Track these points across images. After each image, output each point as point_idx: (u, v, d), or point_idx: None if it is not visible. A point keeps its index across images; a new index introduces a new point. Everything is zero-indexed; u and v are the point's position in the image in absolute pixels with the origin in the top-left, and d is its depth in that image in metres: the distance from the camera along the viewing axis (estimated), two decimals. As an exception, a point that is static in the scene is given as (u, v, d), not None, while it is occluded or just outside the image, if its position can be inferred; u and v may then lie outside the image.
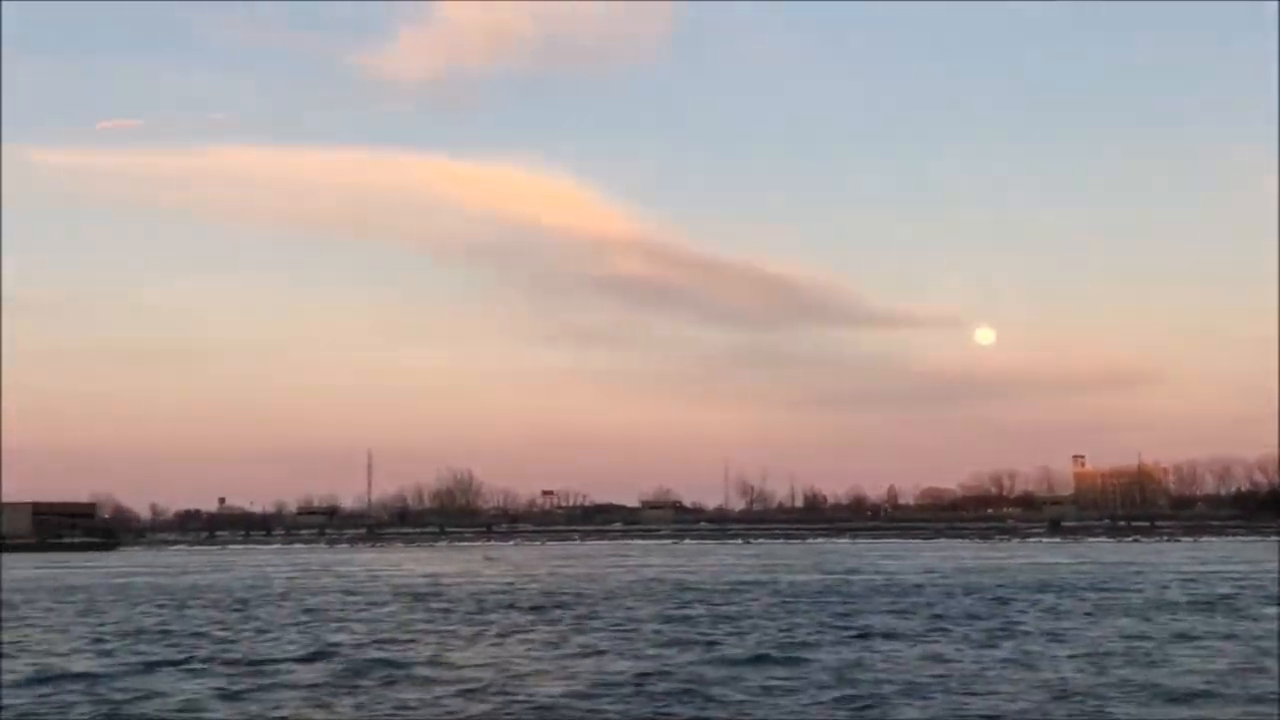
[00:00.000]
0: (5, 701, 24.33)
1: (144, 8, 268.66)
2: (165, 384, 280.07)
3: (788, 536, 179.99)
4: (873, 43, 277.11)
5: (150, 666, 29.52)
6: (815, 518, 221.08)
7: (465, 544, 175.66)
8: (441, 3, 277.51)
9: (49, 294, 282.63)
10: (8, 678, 27.65)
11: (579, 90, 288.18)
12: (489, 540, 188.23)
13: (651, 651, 31.09)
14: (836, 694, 23.79)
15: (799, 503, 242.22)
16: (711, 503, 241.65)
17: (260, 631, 38.43)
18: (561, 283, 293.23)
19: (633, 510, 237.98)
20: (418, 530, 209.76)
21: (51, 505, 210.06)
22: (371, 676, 26.95)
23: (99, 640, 36.66)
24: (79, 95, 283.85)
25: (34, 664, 30.49)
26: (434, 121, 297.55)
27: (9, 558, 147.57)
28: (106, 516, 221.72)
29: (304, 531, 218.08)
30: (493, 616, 42.84)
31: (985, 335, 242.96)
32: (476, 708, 22.79)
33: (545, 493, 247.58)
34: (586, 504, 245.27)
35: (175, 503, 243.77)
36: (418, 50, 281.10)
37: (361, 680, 26.42)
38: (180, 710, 23.20)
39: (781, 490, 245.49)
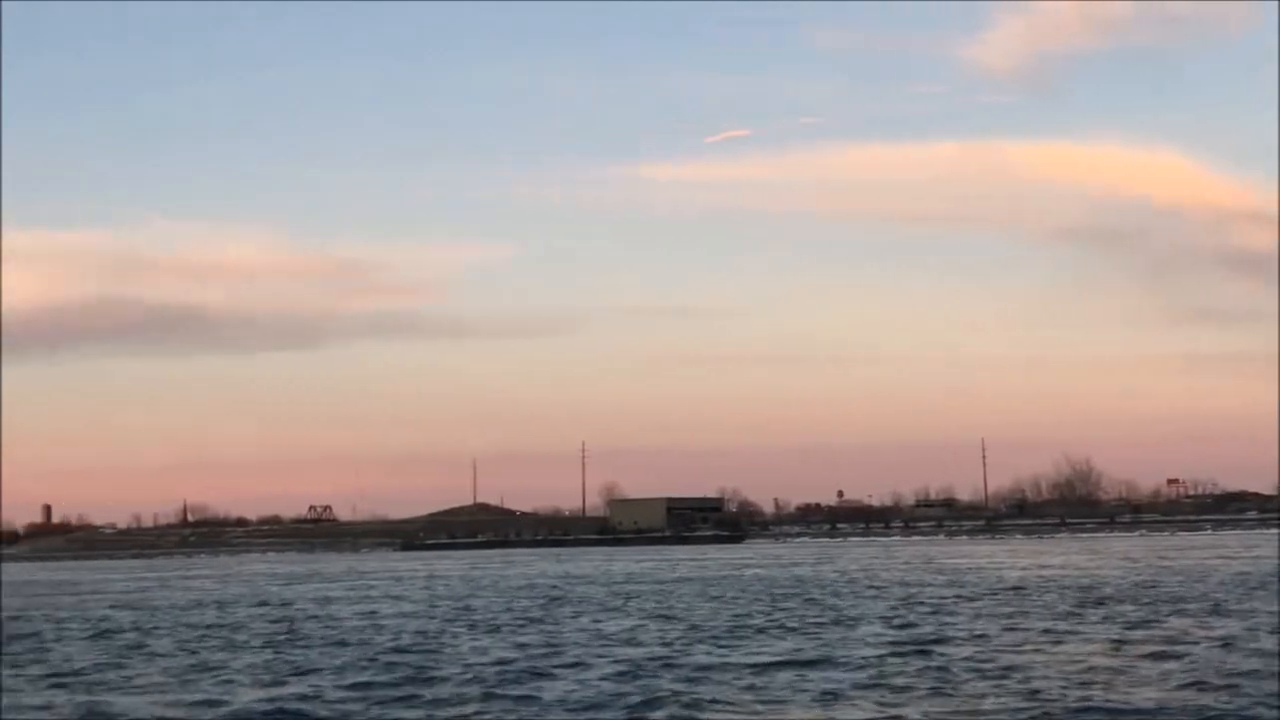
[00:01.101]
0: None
1: (750, 21, 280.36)
2: (786, 383, 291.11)
3: None
4: None
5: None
6: None
7: (1086, 535, 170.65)
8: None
9: (672, 303, 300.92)
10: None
11: (1179, 62, 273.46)
12: (1111, 531, 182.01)
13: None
14: None
15: None
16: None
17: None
18: (1179, 261, 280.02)
19: (1271, 498, 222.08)
20: (1036, 522, 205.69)
21: (683, 500, 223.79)
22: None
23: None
24: (688, 109, 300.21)
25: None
26: (1032, 107, 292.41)
27: (646, 550, 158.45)
28: (733, 510, 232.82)
29: (921, 524, 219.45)
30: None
31: None
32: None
33: (1170, 481, 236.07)
34: (1217, 492, 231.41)
35: (796, 497, 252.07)
36: (1012, 37, 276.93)
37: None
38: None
39: None
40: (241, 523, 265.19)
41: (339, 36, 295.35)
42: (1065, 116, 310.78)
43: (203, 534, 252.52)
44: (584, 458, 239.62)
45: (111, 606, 61.80)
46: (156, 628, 45.81)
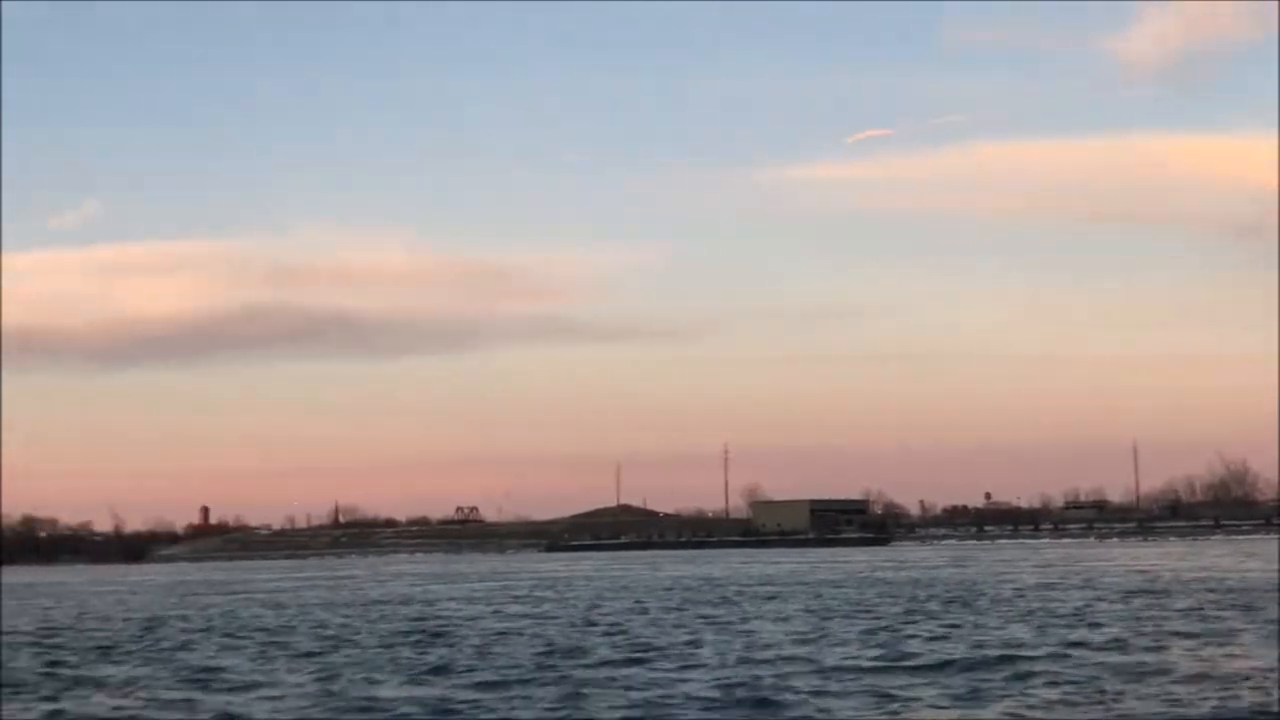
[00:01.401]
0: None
1: (891, 18, 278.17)
2: (930, 384, 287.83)
3: None
4: None
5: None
6: None
7: (1242, 537, 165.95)
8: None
9: (814, 304, 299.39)
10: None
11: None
12: (1268, 533, 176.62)
13: None
14: None
15: None
16: None
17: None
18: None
19: None
20: (1190, 524, 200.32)
21: (827, 502, 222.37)
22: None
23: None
24: (829, 109, 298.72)
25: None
26: (1180, 100, 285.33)
27: (787, 552, 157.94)
28: (879, 512, 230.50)
29: (1071, 526, 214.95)
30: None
31: None
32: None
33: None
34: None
35: (942, 499, 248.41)
36: (1160, 31, 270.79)
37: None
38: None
39: None
40: (390, 524, 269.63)
41: (494, 37, 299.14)
42: (1215, 110, 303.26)
43: (353, 535, 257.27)
44: (726, 459, 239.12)
45: (260, 605, 63.30)
46: (300, 626, 46.82)
